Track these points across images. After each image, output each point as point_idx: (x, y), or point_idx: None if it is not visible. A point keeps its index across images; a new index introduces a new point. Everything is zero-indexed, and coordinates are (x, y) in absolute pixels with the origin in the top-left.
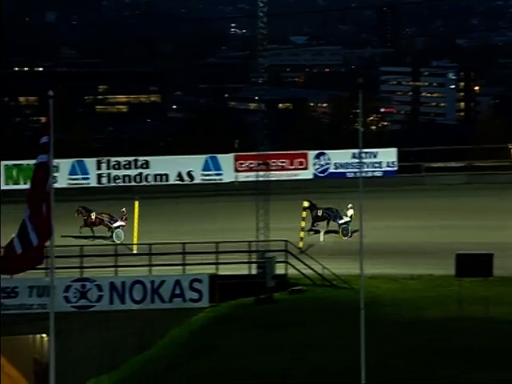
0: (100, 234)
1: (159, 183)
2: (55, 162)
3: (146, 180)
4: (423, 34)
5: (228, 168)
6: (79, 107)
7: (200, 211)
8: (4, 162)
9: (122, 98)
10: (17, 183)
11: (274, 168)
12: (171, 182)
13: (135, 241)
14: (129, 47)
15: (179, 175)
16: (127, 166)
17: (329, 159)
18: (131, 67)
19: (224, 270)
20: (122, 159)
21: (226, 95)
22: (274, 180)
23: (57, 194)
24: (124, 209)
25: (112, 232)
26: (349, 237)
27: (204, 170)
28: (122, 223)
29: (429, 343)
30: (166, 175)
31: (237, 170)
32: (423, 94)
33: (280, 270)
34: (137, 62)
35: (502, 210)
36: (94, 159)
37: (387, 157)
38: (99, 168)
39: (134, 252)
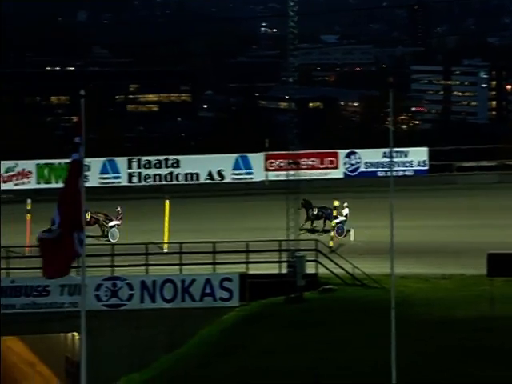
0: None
1: (190, 182)
2: (86, 161)
3: (177, 179)
4: (455, 33)
5: (258, 167)
6: (110, 106)
7: (230, 210)
8: (36, 161)
9: (152, 97)
10: (48, 182)
11: (304, 167)
12: (202, 181)
13: (166, 240)
14: (160, 46)
15: (210, 174)
16: (158, 165)
17: (359, 158)
18: (162, 66)
19: (254, 269)
20: (152, 158)
21: (257, 94)
22: (305, 179)
23: (88, 193)
24: (119, 208)
25: (107, 231)
26: (343, 236)
27: (234, 169)
28: (117, 222)
29: (460, 343)
30: (197, 174)
31: (267, 169)
32: (454, 92)
33: (310, 269)
34: (168, 62)
35: None
36: (125, 158)
37: (418, 156)
38: (130, 167)
39: (165, 251)
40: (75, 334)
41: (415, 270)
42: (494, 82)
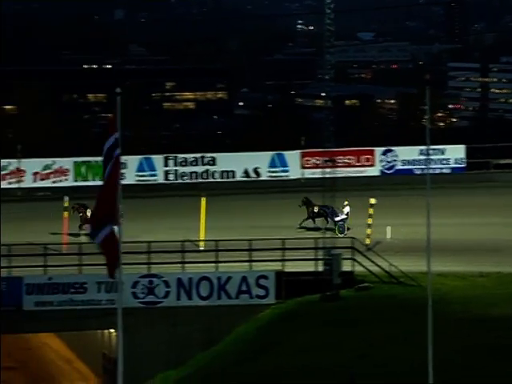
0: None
1: (226, 180)
2: (123, 158)
3: (213, 177)
4: (492, 30)
5: (294, 165)
6: (147, 104)
7: (266, 208)
8: (73, 159)
9: (189, 94)
10: (85, 180)
11: (340, 165)
12: (238, 178)
13: (202, 237)
14: (196, 44)
15: (246, 172)
16: (194, 163)
17: (396, 156)
18: (198, 64)
19: (290, 267)
20: (188, 156)
21: (293, 92)
22: (341, 177)
23: (124, 191)
24: (120, 206)
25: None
26: (345, 234)
27: (270, 166)
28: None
29: (496, 341)
30: (233, 172)
31: (303, 167)
32: (492, 90)
33: (346, 267)
34: (204, 59)
35: None
36: (162, 156)
37: (455, 153)
38: (166, 165)
39: (201, 248)
40: (112, 330)
41: (452, 267)
42: None
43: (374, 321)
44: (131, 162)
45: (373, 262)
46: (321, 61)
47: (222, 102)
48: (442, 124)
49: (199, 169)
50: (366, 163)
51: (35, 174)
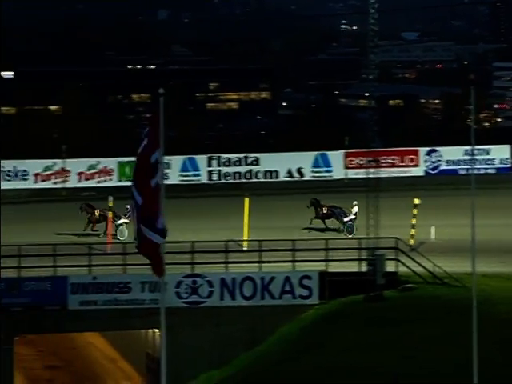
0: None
1: (269, 180)
2: (167, 158)
3: (256, 177)
4: None
5: (338, 165)
6: (190, 105)
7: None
8: (117, 159)
9: (232, 95)
10: (130, 180)
11: (384, 165)
12: (281, 178)
13: (245, 237)
14: (240, 44)
15: (289, 172)
16: (237, 163)
17: (440, 156)
18: (242, 64)
19: (334, 267)
20: (232, 156)
21: (336, 92)
22: (385, 177)
23: (168, 191)
24: (128, 206)
25: (115, 229)
26: (353, 234)
27: (314, 166)
28: (126, 220)
29: None
30: (276, 172)
31: (347, 167)
32: None
33: (390, 267)
34: (247, 59)
35: None
36: (205, 156)
37: (501, 153)
38: (210, 165)
39: (245, 248)
40: (156, 330)
41: (497, 268)
42: None
43: (417, 321)
44: (175, 162)
45: (417, 262)
46: (365, 61)
47: (266, 102)
48: (486, 124)
49: (242, 169)
50: (410, 163)
51: (80, 174)
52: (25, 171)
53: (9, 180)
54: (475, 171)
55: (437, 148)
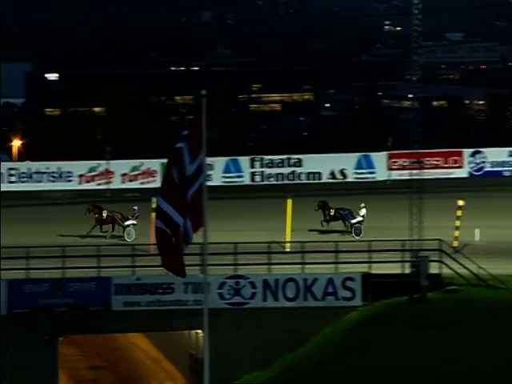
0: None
1: (312, 181)
2: (210, 160)
3: (299, 178)
4: None
5: (381, 166)
6: (233, 106)
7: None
8: (161, 160)
9: (275, 96)
10: None
11: (427, 166)
12: (324, 180)
13: (288, 239)
14: (283, 45)
15: (332, 173)
16: (280, 165)
17: (485, 157)
18: (285, 66)
19: (377, 269)
20: (275, 157)
21: (380, 93)
22: (428, 178)
23: (211, 192)
24: (136, 207)
25: (123, 230)
26: (360, 236)
27: (357, 168)
28: (134, 222)
29: None
30: (319, 173)
31: (390, 169)
32: None
33: (434, 269)
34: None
35: None
36: (248, 158)
37: None
38: (253, 166)
39: (287, 250)
40: (199, 331)
41: None
42: None
43: (461, 323)
44: (218, 163)
45: (461, 264)
46: (408, 62)
47: (309, 103)
48: None
49: (285, 170)
50: (454, 165)
51: (123, 175)
52: (69, 172)
53: (53, 181)
54: None
55: (481, 149)
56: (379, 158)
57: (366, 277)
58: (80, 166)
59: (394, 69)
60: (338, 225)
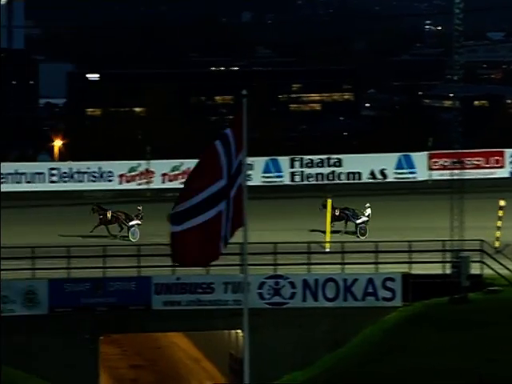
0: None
1: (352, 181)
2: (250, 160)
3: (339, 178)
4: None
5: (422, 166)
6: (273, 106)
7: (393, 209)
8: None
9: (315, 96)
10: None
11: (468, 166)
12: (364, 180)
13: (328, 239)
14: (323, 45)
15: (372, 173)
16: (320, 165)
17: None
18: (325, 65)
19: (417, 269)
20: (315, 157)
21: (420, 93)
22: (469, 179)
23: (250, 192)
24: (140, 207)
25: (128, 230)
26: (365, 237)
27: (397, 168)
28: (138, 222)
29: None
30: (359, 173)
31: (430, 169)
32: None
33: (475, 269)
34: (330, 60)
35: None
36: (288, 157)
37: None
38: (292, 166)
39: (327, 250)
40: (239, 331)
41: None
42: None
43: (502, 324)
44: (258, 163)
45: (502, 265)
46: (449, 61)
47: (349, 103)
48: None
49: (325, 170)
50: (496, 165)
51: (164, 175)
52: (110, 172)
53: (94, 181)
54: None
55: None
56: (420, 158)
57: (407, 277)
58: (120, 166)
59: (434, 68)
60: (340, 225)
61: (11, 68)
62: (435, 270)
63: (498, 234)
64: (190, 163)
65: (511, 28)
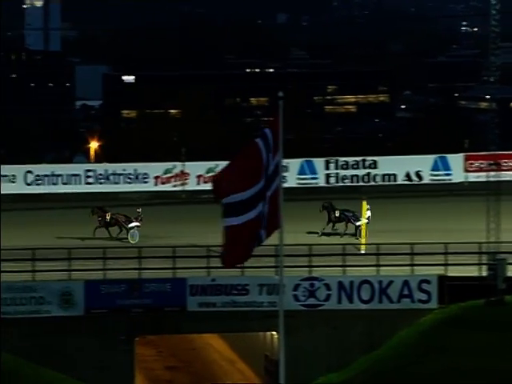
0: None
1: (387, 183)
2: (285, 161)
3: (374, 180)
4: None
5: (458, 168)
6: (308, 108)
7: (428, 211)
8: None
9: (350, 98)
10: None
11: (505, 168)
12: (399, 182)
13: (363, 241)
14: (358, 47)
15: (407, 175)
16: (355, 166)
17: None
18: (360, 67)
19: (453, 272)
20: (350, 159)
21: (456, 94)
22: (506, 180)
23: (286, 194)
24: (140, 209)
25: (127, 232)
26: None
27: (433, 170)
28: (137, 224)
29: None
30: (394, 175)
31: (467, 170)
32: None
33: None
34: (366, 62)
35: None
36: (323, 159)
37: None
38: (327, 168)
39: (362, 252)
40: (274, 332)
41: None
42: None
43: None
44: (293, 164)
45: None
46: (486, 63)
47: (384, 104)
48: None
49: (360, 172)
50: None
51: (199, 176)
52: (145, 174)
53: (130, 182)
54: None
55: None
56: (456, 160)
57: (443, 279)
58: (156, 168)
59: (470, 70)
60: (340, 226)
61: (48, 70)
62: (471, 272)
63: None
64: (225, 165)
65: None
